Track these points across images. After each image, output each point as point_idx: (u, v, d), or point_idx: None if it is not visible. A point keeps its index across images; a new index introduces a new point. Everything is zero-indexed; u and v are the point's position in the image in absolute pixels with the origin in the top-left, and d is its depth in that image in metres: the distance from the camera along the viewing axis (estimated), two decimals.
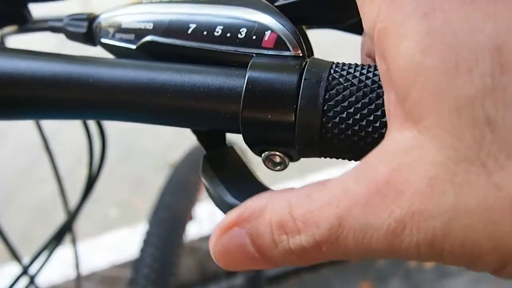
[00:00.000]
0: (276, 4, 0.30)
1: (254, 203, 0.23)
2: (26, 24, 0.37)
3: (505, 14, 0.18)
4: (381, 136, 0.23)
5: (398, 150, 0.19)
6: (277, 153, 0.27)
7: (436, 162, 0.18)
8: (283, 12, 0.29)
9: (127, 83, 0.27)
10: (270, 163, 0.28)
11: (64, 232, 0.58)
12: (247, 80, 0.25)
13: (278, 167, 0.27)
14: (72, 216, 0.57)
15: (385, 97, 0.21)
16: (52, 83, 0.28)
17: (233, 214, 0.23)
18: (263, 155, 0.27)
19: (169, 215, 0.91)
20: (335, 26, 0.31)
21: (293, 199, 0.21)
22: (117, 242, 1.57)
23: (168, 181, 0.96)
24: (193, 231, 1.49)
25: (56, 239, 0.58)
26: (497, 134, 0.17)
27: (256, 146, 0.27)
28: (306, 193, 0.21)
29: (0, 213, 1.69)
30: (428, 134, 0.18)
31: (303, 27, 0.31)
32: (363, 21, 0.22)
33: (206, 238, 1.56)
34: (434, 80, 0.18)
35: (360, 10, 0.22)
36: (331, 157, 0.26)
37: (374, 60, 0.25)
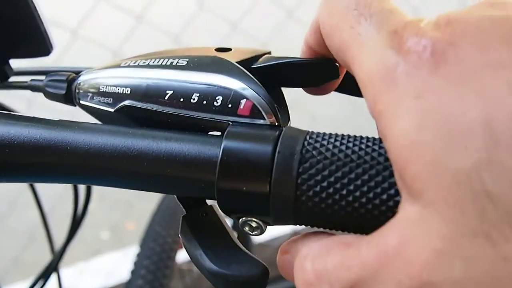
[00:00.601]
0: (253, 66, 0.30)
1: (299, 240, 0.26)
2: (6, 79, 0.37)
3: (493, 92, 0.18)
4: (355, 210, 0.23)
5: (406, 222, 0.19)
6: (254, 219, 0.27)
7: (442, 235, 0.18)
8: (260, 74, 0.29)
9: (104, 151, 0.28)
10: (247, 228, 0.28)
11: (50, 272, 0.58)
12: (223, 150, 0.25)
13: (256, 232, 0.28)
14: (58, 257, 0.57)
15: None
16: (29, 150, 0.28)
17: (287, 243, 0.26)
18: (240, 220, 0.27)
19: (158, 245, 0.90)
20: (313, 86, 0.32)
21: (316, 250, 0.23)
22: (108, 265, 1.56)
23: (157, 210, 0.96)
24: (182, 253, 1.48)
25: (42, 279, 0.57)
26: (499, 206, 0.17)
27: (232, 214, 0.27)
28: (328, 248, 0.23)
29: None
30: (431, 207, 0.18)
31: (281, 88, 0.31)
32: (367, 105, 0.22)
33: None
34: (430, 155, 0.18)
35: (363, 94, 0.22)
36: (306, 225, 0.26)
37: None
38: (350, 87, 0.32)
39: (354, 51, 0.23)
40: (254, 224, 0.27)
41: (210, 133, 0.29)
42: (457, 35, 0.20)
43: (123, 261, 1.52)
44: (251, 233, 0.28)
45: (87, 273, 1.51)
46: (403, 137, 0.19)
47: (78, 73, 0.38)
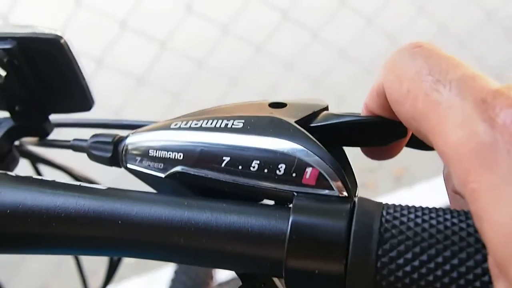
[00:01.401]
0: (313, 125, 0.28)
1: None
2: (46, 136, 0.35)
3: None
4: None
5: None
6: None
7: None
8: (320, 133, 0.27)
9: (158, 225, 0.26)
10: None
11: None
12: (291, 226, 0.23)
13: None
14: None
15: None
16: (77, 223, 0.26)
17: None
18: None
19: (190, 279, 0.88)
20: (378, 146, 0.29)
21: None
22: None
23: None
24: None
25: None
26: None
27: None
28: None
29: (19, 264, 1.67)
30: None
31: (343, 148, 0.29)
32: (452, 177, 0.20)
33: (224, 284, 1.53)
34: None
35: (448, 166, 0.20)
36: None
37: (462, 196, 0.24)
38: (419, 141, 0.30)
39: (434, 121, 0.21)
40: None
41: (267, 202, 0.27)
42: None
43: (150, 286, 1.50)
44: None
45: None
46: (509, 226, 0.17)
47: (120, 126, 0.36)
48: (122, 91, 1.36)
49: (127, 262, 1.85)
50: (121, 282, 1.56)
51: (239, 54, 1.49)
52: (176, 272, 0.90)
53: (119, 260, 0.55)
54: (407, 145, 0.30)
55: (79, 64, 0.32)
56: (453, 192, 0.26)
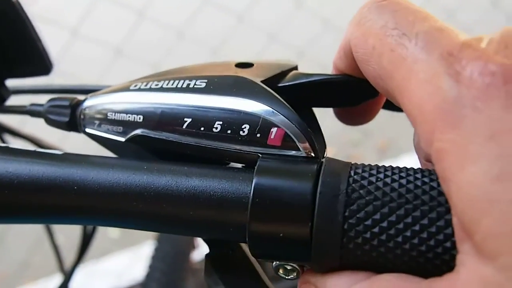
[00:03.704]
0: (280, 85, 0.27)
1: (328, 276, 0.22)
2: (3, 102, 0.34)
3: None
4: (412, 259, 0.20)
5: (472, 283, 0.17)
6: (290, 263, 0.24)
7: None
8: (288, 93, 0.26)
9: (116, 191, 0.24)
10: (282, 271, 0.24)
11: None
12: (254, 189, 0.22)
13: (291, 276, 0.24)
14: (68, 278, 0.54)
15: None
16: (31, 190, 0.25)
17: (311, 275, 0.23)
18: (273, 263, 0.24)
19: (172, 248, 0.88)
20: (350, 106, 0.28)
21: None
22: (120, 265, 1.54)
23: None
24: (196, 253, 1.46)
25: None
26: None
27: (266, 259, 0.24)
28: None
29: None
30: (509, 273, 0.16)
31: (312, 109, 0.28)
32: (419, 138, 0.19)
33: None
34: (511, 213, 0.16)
35: (414, 127, 0.19)
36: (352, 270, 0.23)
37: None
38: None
39: (399, 78, 0.19)
40: (289, 267, 0.24)
41: (232, 164, 0.26)
42: None
43: (134, 261, 1.50)
44: (286, 276, 0.25)
45: (97, 275, 1.49)
46: (474, 186, 0.16)
47: (81, 91, 0.34)
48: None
49: (112, 238, 1.85)
50: (107, 257, 1.56)
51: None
52: (158, 241, 0.89)
53: (93, 231, 0.54)
54: (384, 107, 0.29)
55: (34, 26, 0.30)
56: (425, 161, 0.25)
